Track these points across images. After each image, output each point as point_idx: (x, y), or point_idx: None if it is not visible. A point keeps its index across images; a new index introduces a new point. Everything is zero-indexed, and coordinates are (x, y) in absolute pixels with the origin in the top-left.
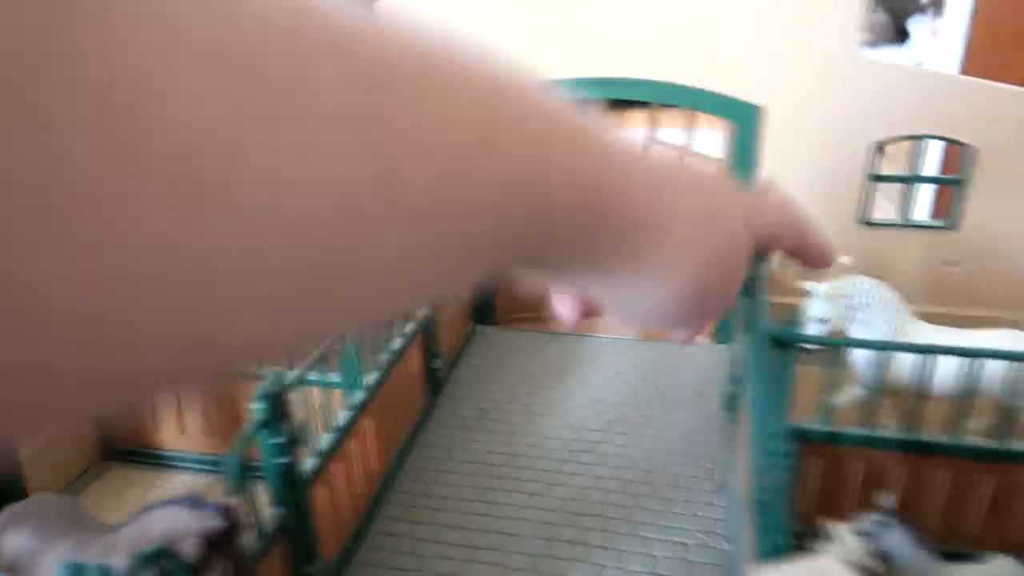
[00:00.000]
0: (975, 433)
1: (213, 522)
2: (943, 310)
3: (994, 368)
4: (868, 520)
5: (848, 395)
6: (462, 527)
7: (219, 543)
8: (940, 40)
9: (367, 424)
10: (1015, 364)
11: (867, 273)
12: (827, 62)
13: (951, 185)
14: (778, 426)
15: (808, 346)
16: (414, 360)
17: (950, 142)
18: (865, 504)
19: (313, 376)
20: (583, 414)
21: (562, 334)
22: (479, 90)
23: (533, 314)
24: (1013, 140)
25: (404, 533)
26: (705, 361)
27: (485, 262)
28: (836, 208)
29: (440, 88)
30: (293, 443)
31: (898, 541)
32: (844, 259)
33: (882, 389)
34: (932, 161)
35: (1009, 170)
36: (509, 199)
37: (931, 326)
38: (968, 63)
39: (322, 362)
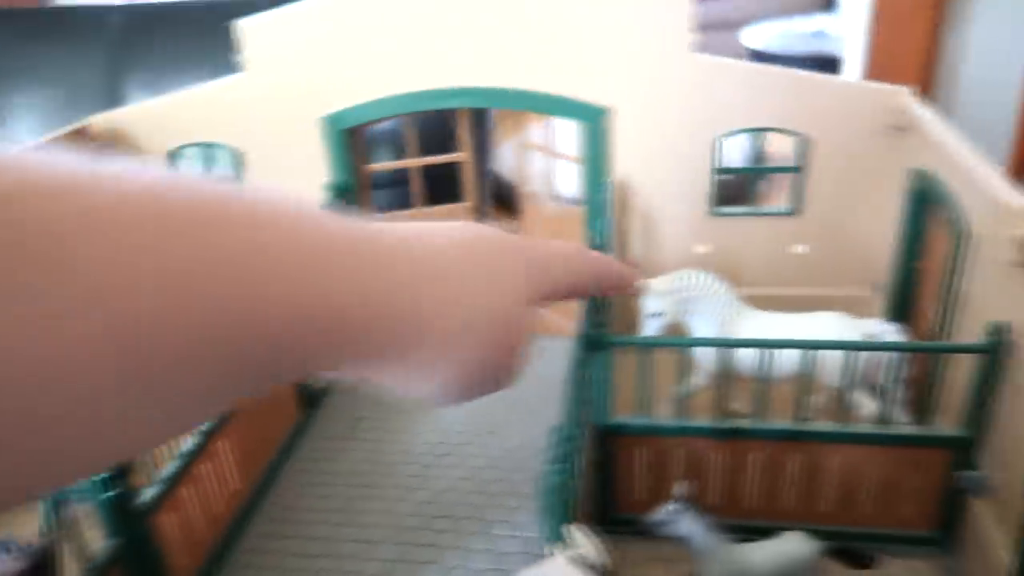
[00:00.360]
0: (817, 412)
1: (16, 565)
2: (792, 291)
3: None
4: (664, 509)
5: (692, 385)
6: (327, 538)
7: None
8: (849, 6)
9: (223, 445)
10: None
11: (723, 261)
12: (665, 64)
13: (792, 173)
14: (573, 425)
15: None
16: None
17: (787, 134)
18: (686, 492)
19: None
20: (453, 418)
21: None
22: (194, 226)
23: None
24: (842, 130)
25: (273, 549)
26: (566, 354)
27: (228, 386)
28: (690, 201)
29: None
30: (121, 475)
31: (692, 527)
32: (700, 248)
33: (726, 377)
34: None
35: (840, 158)
36: (226, 332)
37: (764, 313)
38: (875, 29)
39: None
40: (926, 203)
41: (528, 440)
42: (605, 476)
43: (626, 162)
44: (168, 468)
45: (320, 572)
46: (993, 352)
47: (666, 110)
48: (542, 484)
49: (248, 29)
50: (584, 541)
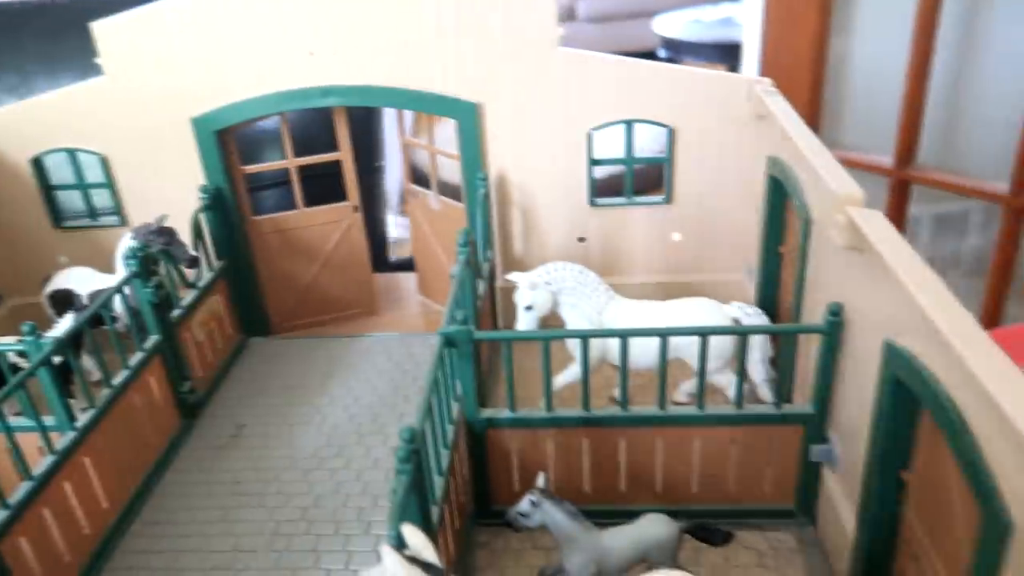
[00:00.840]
0: (687, 396)
1: None
2: (671, 279)
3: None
4: (523, 501)
5: (570, 374)
6: (201, 550)
7: None
8: None
9: (87, 462)
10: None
11: (603, 251)
12: (532, 59)
13: (662, 164)
14: (425, 424)
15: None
16: (155, 387)
17: (655, 124)
18: (556, 477)
19: None
20: (338, 419)
21: (333, 337)
22: None
23: (310, 320)
24: (706, 120)
25: (142, 565)
26: None
27: None
28: (568, 194)
29: None
30: None
31: (551, 515)
32: (581, 238)
33: (597, 365)
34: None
35: (707, 147)
36: None
37: (634, 301)
38: (768, 25)
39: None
40: (783, 190)
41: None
42: (480, 470)
43: (502, 157)
44: (20, 490)
45: None
46: (830, 331)
47: (537, 104)
48: (391, 486)
49: (104, 31)
50: (417, 541)
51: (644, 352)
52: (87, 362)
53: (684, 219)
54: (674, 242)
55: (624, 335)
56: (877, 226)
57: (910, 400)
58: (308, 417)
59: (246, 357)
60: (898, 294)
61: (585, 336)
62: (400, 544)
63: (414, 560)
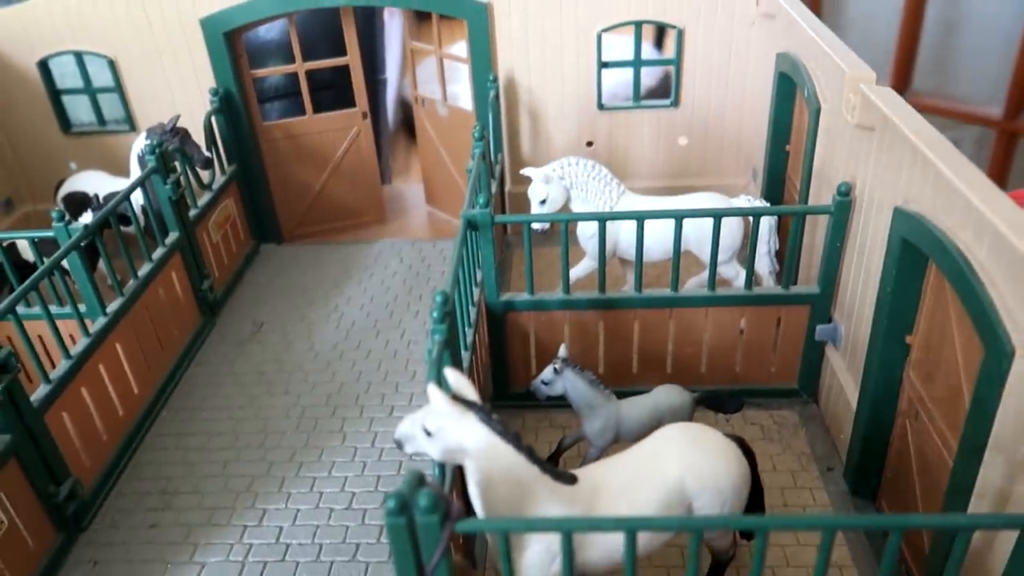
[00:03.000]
0: (696, 287)
1: None
2: (677, 183)
3: (699, 228)
4: (546, 369)
5: (583, 267)
6: (231, 432)
7: None
8: None
9: (118, 348)
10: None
11: (611, 155)
12: None
13: (669, 66)
14: (454, 290)
15: (538, 227)
16: (177, 283)
17: (662, 25)
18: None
19: (33, 310)
20: (355, 316)
21: (345, 243)
22: None
23: (320, 228)
24: (715, 20)
25: (175, 445)
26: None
27: None
28: (579, 96)
29: None
30: (5, 369)
31: (572, 382)
32: (589, 142)
33: (605, 258)
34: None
35: (710, 49)
36: None
37: (645, 196)
38: None
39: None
40: (791, 85)
41: (424, 333)
42: (499, 353)
43: (511, 59)
44: (60, 367)
45: (226, 463)
46: (839, 211)
47: (546, 4)
48: (428, 340)
49: None
50: (458, 381)
51: (656, 242)
52: (102, 266)
53: (691, 123)
54: (680, 146)
55: (640, 217)
56: (890, 100)
57: (917, 259)
58: (326, 315)
59: (259, 262)
60: (912, 159)
61: (602, 219)
62: (442, 386)
63: (457, 398)
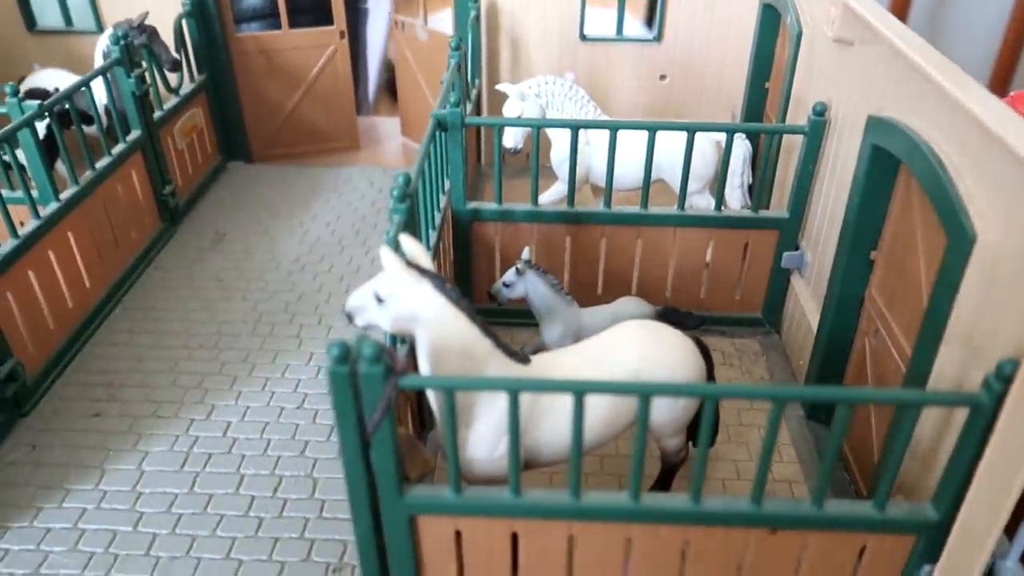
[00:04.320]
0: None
1: None
2: (655, 119)
3: (671, 154)
4: (510, 271)
5: (553, 191)
6: (185, 332)
7: None
8: None
9: (70, 237)
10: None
11: (591, 88)
12: None
13: None
14: (413, 179)
15: (509, 142)
16: (137, 183)
17: None
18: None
19: None
20: (320, 233)
21: (315, 166)
22: None
23: (291, 149)
24: None
25: (126, 342)
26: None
27: None
28: (561, 24)
29: None
30: None
31: (534, 284)
32: (569, 74)
33: (575, 176)
34: None
35: None
36: None
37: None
38: None
39: None
40: (775, 16)
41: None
42: (464, 263)
43: None
44: (6, 245)
45: (176, 361)
46: (813, 130)
47: None
48: (390, 212)
49: None
50: (412, 247)
51: (628, 167)
52: (60, 167)
53: (673, 59)
54: (661, 83)
55: (613, 127)
56: (871, 8)
57: (886, 167)
58: (290, 230)
59: (225, 177)
60: (890, 62)
61: (575, 127)
62: (397, 250)
63: (411, 265)
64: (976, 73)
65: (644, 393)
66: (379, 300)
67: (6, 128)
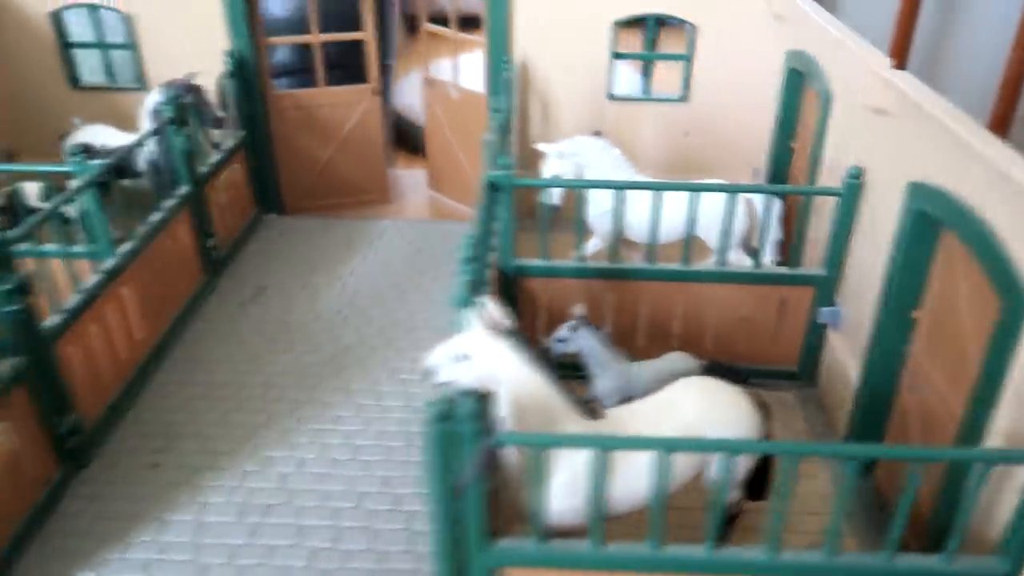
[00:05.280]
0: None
1: None
2: (678, 177)
3: (707, 210)
4: (562, 327)
5: (591, 246)
6: (234, 384)
7: None
8: None
9: (125, 292)
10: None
11: (617, 143)
12: None
13: (681, 61)
14: (481, 255)
15: (556, 199)
16: (184, 237)
17: (677, 20)
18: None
19: (49, 248)
20: (359, 285)
21: (349, 219)
22: None
23: (323, 202)
24: (727, 18)
25: (177, 393)
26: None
27: None
28: (590, 84)
29: None
30: (22, 290)
31: (587, 340)
32: (599, 136)
33: (616, 238)
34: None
35: (721, 46)
36: None
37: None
38: None
39: (62, 235)
40: (800, 79)
41: (427, 303)
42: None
43: (526, 43)
44: (72, 299)
45: (226, 412)
46: (848, 193)
47: None
48: (457, 273)
49: None
50: (493, 309)
51: (666, 225)
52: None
53: (698, 118)
54: (685, 140)
55: (654, 188)
56: (910, 82)
57: (929, 231)
58: (329, 283)
59: (262, 230)
60: (931, 133)
61: (619, 187)
62: (466, 309)
63: (492, 326)
64: (976, 109)
65: (732, 451)
66: (460, 359)
67: (78, 185)
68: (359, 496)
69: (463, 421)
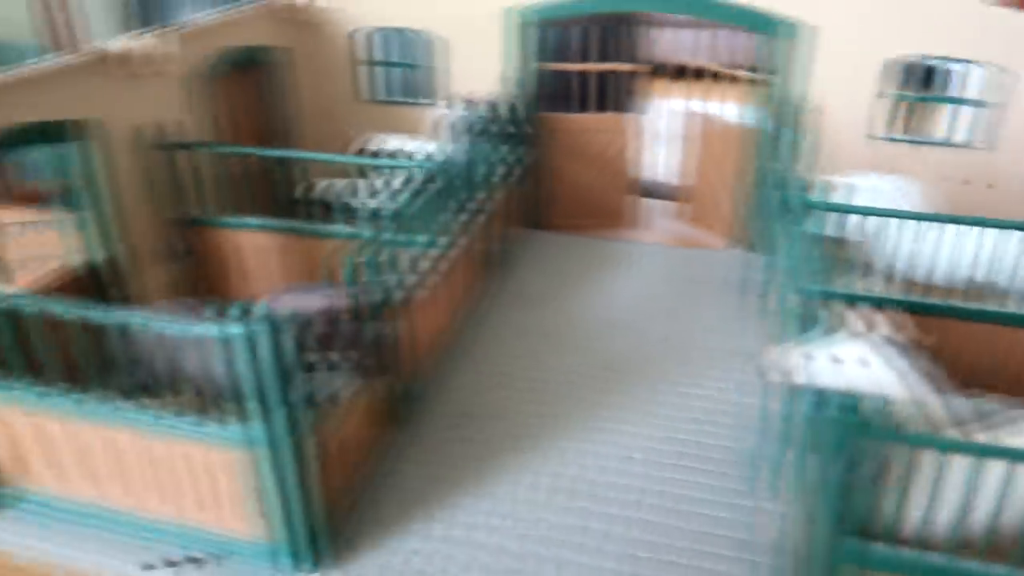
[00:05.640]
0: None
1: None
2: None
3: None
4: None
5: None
6: (524, 378)
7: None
8: None
9: (440, 280)
10: None
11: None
12: None
13: (976, 106)
14: (812, 280)
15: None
16: (477, 239)
17: (967, 63)
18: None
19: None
20: (625, 297)
21: (603, 239)
22: None
23: (574, 221)
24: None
25: (471, 372)
26: (724, 261)
27: None
28: (862, 124)
29: None
30: (392, 264)
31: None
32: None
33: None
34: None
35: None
36: None
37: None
38: None
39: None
40: None
41: (695, 323)
42: None
43: (802, 78)
44: (410, 280)
45: (521, 402)
46: None
47: (847, 29)
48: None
49: None
50: (867, 315)
51: (941, 265)
52: None
53: (1000, 168)
54: (981, 189)
55: (975, 224)
56: None
57: None
58: (595, 293)
59: (527, 243)
60: None
61: (924, 220)
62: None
63: (871, 331)
64: None
65: None
66: (835, 361)
67: (420, 182)
68: (657, 494)
69: (871, 418)
